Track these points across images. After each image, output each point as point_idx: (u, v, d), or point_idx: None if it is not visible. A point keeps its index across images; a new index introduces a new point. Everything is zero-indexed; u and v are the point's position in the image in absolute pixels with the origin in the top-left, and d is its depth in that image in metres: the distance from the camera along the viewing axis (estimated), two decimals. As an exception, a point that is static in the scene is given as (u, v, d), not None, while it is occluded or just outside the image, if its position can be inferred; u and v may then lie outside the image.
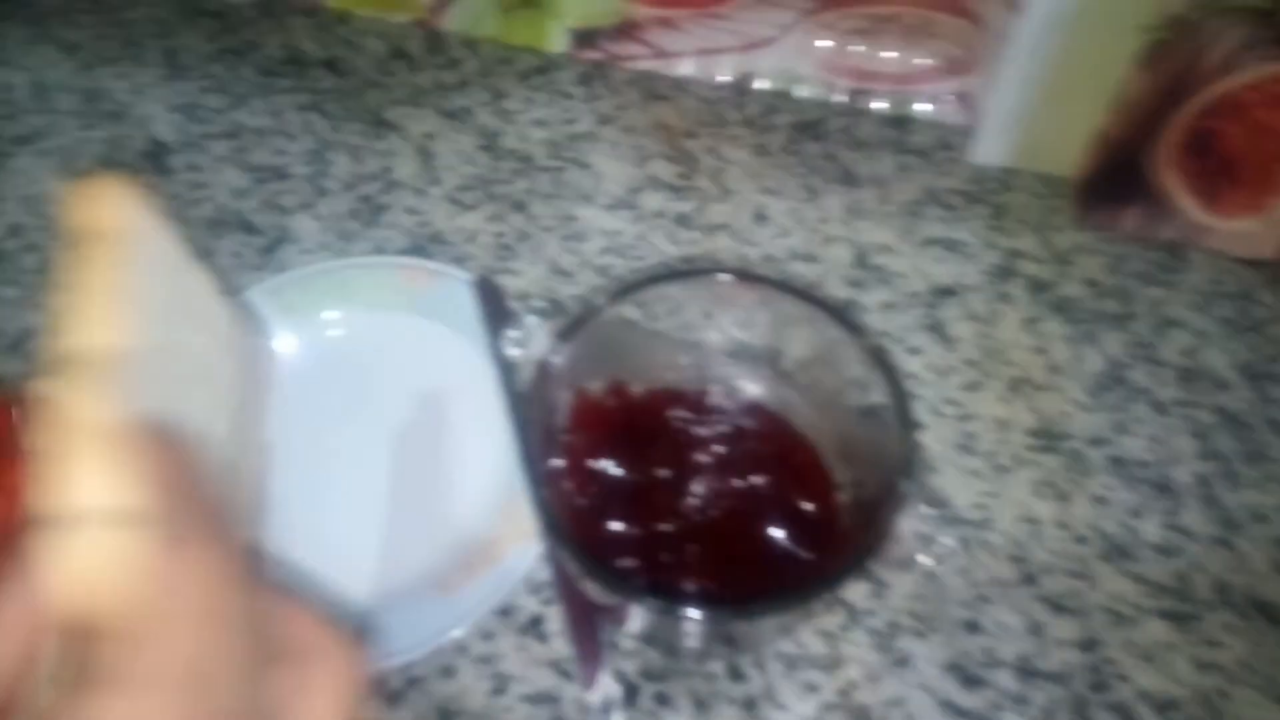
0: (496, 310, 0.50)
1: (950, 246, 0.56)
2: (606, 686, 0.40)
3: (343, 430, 0.47)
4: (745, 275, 0.38)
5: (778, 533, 0.38)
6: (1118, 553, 0.45)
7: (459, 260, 0.55)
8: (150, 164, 0.59)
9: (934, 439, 0.48)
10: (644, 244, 0.56)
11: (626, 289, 0.37)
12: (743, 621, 0.33)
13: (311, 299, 0.51)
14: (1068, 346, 0.52)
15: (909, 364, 0.51)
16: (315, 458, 0.46)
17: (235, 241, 0.56)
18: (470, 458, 0.46)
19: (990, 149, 0.59)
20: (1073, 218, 0.57)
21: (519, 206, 0.58)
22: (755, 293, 0.38)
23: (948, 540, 0.32)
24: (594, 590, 0.34)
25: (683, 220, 0.57)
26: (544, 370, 0.34)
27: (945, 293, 0.54)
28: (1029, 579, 0.44)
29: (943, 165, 0.60)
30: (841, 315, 0.36)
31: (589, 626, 0.41)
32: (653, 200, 0.58)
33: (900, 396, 0.34)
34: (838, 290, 0.54)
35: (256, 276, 0.53)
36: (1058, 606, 0.43)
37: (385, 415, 0.48)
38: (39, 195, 0.58)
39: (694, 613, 0.31)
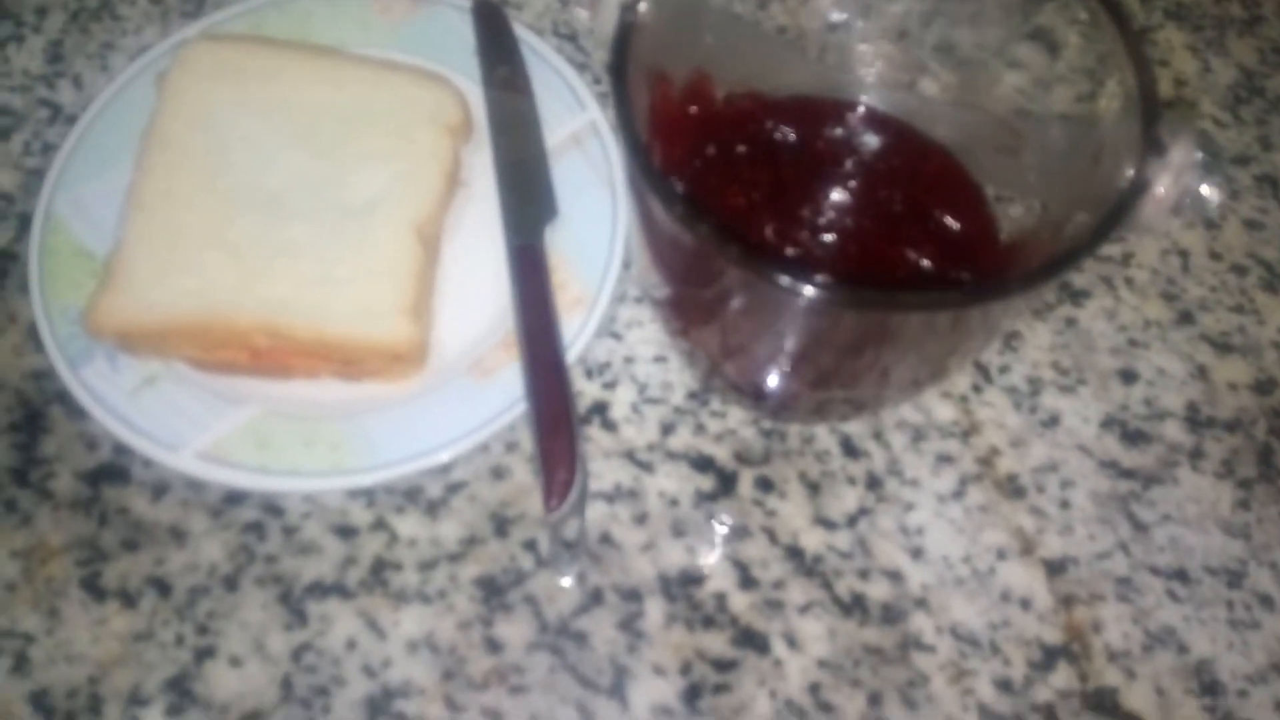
0: (498, 43, 0.39)
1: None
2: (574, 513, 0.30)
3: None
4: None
5: (922, 257, 0.30)
6: (1280, 283, 0.38)
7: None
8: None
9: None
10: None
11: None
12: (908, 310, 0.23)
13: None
14: (1193, 58, 0.43)
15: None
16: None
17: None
18: (491, 218, 0.36)
19: None
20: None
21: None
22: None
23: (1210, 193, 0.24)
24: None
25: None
26: (626, 33, 0.24)
27: None
28: (1185, 318, 0.37)
29: None
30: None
31: (566, 420, 0.30)
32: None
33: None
34: None
35: (190, 17, 0.41)
36: (1223, 346, 0.36)
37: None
38: None
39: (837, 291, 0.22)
